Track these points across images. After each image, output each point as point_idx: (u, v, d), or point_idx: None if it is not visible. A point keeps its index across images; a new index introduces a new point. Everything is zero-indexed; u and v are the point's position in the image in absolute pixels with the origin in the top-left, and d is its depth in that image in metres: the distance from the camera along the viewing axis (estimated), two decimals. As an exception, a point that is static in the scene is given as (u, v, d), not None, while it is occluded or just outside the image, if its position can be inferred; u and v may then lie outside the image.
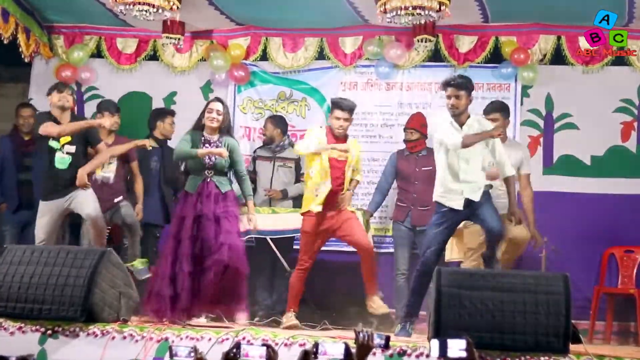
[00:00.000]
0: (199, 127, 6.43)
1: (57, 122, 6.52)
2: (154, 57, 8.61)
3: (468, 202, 6.03)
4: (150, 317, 6.10)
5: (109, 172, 7.16)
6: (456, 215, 6.11)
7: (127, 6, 6.85)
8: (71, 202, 6.52)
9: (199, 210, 6.22)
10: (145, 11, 6.86)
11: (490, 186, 6.15)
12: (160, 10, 6.88)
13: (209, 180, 6.31)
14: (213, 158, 6.32)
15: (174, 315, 6.05)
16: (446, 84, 6.09)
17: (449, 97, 6.05)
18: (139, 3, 6.79)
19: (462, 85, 6.02)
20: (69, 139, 6.48)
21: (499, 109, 6.84)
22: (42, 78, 8.59)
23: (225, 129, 6.44)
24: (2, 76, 9.16)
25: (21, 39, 7.85)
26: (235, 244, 6.18)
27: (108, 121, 6.91)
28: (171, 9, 6.93)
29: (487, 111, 6.84)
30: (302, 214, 6.60)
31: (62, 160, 6.47)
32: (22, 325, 5.42)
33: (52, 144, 6.47)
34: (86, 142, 6.68)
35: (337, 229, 6.60)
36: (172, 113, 7.87)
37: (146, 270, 6.83)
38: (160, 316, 6.05)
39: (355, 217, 6.75)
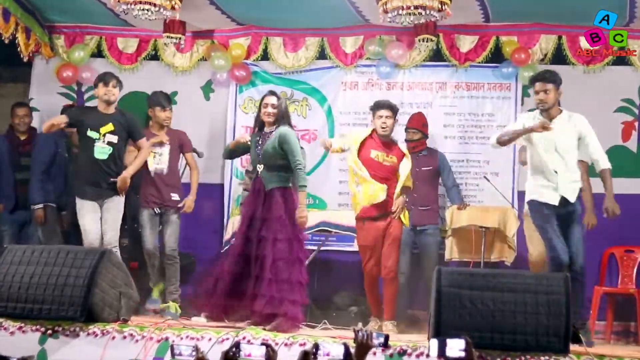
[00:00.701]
0: (258, 126, 6.31)
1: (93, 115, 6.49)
2: (154, 56, 8.62)
3: (564, 201, 5.91)
4: (211, 315, 6.00)
5: (162, 164, 7.16)
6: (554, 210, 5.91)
7: (129, 6, 6.85)
8: (102, 208, 6.43)
9: (250, 210, 6.09)
10: (147, 10, 6.86)
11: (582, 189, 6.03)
12: (161, 10, 6.89)
13: (257, 176, 6.16)
14: (260, 147, 6.12)
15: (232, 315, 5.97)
16: (533, 80, 6.00)
17: (537, 92, 5.95)
18: (140, 2, 6.80)
19: (550, 79, 5.93)
20: (111, 127, 6.39)
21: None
22: (43, 78, 8.62)
23: (281, 119, 6.21)
24: (3, 76, 9.15)
25: (20, 38, 7.84)
26: (277, 256, 5.91)
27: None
28: (172, 8, 6.93)
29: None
30: None
31: (102, 150, 6.38)
32: (22, 325, 5.42)
33: (91, 134, 6.37)
34: (128, 134, 6.58)
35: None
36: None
37: (175, 316, 6.57)
38: (221, 316, 5.97)
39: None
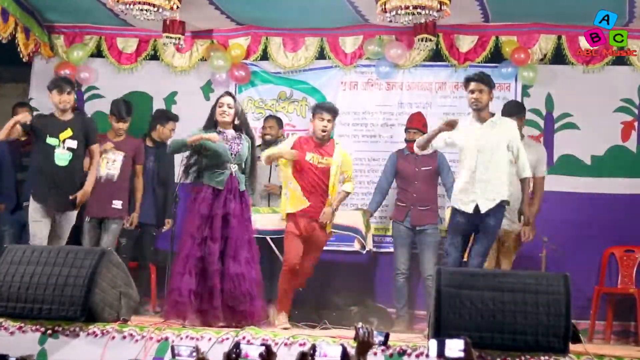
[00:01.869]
0: (211, 124, 6.31)
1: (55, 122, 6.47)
2: (154, 56, 8.61)
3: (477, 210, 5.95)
4: (172, 317, 5.95)
5: (114, 170, 7.16)
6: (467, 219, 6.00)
7: (128, 5, 6.85)
8: (57, 221, 6.45)
9: (228, 208, 6.08)
10: (146, 10, 6.86)
11: (507, 202, 6.06)
12: (160, 10, 6.88)
13: (233, 174, 6.18)
14: (235, 149, 6.18)
15: (193, 315, 5.95)
16: (469, 79, 6.09)
17: (472, 91, 6.04)
18: (139, 2, 6.79)
19: (484, 81, 6.04)
20: (70, 133, 6.38)
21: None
22: (43, 78, 8.58)
23: (243, 127, 6.32)
24: (3, 76, 9.15)
25: (20, 38, 7.85)
26: (248, 254, 6.11)
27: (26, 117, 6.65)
28: (171, 8, 6.92)
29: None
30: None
31: (62, 156, 6.38)
32: (22, 325, 5.42)
33: (50, 141, 6.36)
34: (85, 137, 6.55)
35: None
36: (175, 119, 7.82)
37: None
38: (182, 317, 5.92)
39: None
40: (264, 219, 7.09)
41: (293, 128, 8.24)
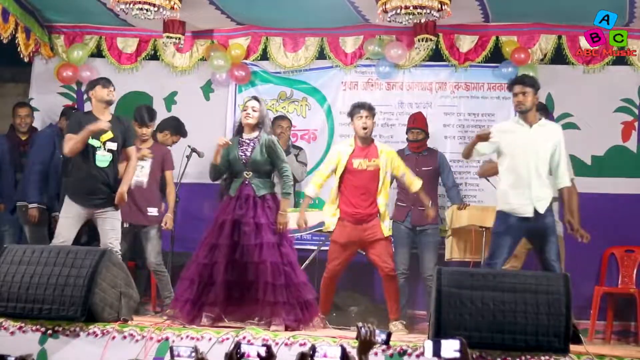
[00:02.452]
0: (239, 131, 6.27)
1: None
2: (154, 56, 8.62)
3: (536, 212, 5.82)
4: (180, 320, 5.88)
5: (143, 176, 7.10)
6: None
7: (127, 5, 6.85)
8: (98, 219, 6.30)
9: (237, 215, 5.99)
10: (146, 10, 6.86)
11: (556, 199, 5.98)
12: (160, 10, 6.88)
13: (247, 182, 6.09)
14: (247, 155, 6.09)
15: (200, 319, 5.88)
16: (513, 83, 5.98)
17: (515, 94, 5.90)
18: (139, 2, 6.80)
19: (529, 83, 5.90)
20: (110, 135, 6.24)
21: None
22: (43, 78, 8.62)
23: (262, 127, 6.20)
24: (3, 76, 9.16)
25: (20, 38, 7.84)
26: (273, 259, 5.90)
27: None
28: (171, 8, 6.93)
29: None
30: None
31: (103, 158, 6.25)
32: (23, 325, 5.41)
33: (92, 142, 6.21)
34: (123, 140, 6.41)
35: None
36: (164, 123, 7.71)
37: None
38: (190, 320, 5.85)
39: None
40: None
41: (293, 128, 8.22)
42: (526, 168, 5.84)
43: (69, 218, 6.24)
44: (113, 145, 6.28)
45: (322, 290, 6.57)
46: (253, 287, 5.88)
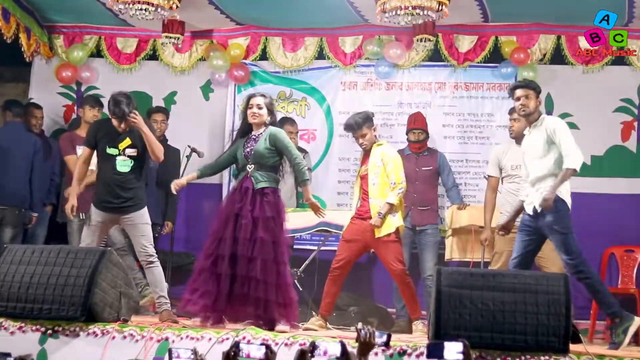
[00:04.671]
0: (245, 128, 6.16)
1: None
2: (153, 56, 8.63)
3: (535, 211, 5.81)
4: (197, 316, 5.88)
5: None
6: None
7: (126, 5, 6.84)
8: (126, 226, 6.27)
9: (237, 209, 5.92)
10: (145, 10, 6.84)
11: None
12: (159, 10, 6.88)
13: (248, 175, 5.99)
14: (248, 149, 6.01)
15: (218, 316, 5.85)
16: (514, 87, 5.96)
17: (518, 98, 5.88)
18: (138, 2, 6.79)
19: (531, 86, 5.91)
20: (128, 142, 6.15)
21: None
22: (42, 78, 8.63)
23: (271, 121, 6.12)
24: (3, 76, 9.15)
25: (22, 38, 7.86)
26: (265, 257, 5.83)
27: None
28: (170, 8, 6.92)
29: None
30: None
31: (124, 163, 6.16)
32: (23, 325, 5.40)
33: (110, 151, 6.15)
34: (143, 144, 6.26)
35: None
36: (161, 110, 7.78)
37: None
38: (205, 316, 5.84)
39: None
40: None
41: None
42: (526, 169, 5.92)
43: (92, 225, 6.19)
44: (133, 152, 6.17)
45: (324, 289, 6.55)
46: (246, 282, 5.82)
